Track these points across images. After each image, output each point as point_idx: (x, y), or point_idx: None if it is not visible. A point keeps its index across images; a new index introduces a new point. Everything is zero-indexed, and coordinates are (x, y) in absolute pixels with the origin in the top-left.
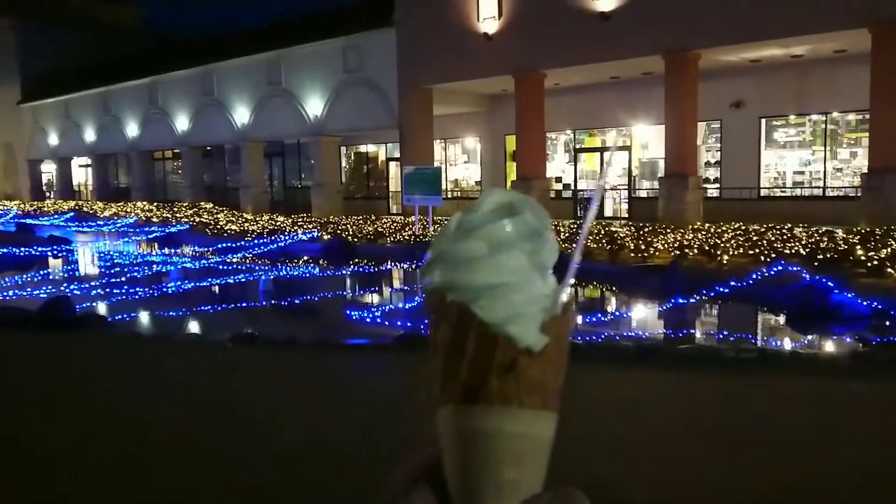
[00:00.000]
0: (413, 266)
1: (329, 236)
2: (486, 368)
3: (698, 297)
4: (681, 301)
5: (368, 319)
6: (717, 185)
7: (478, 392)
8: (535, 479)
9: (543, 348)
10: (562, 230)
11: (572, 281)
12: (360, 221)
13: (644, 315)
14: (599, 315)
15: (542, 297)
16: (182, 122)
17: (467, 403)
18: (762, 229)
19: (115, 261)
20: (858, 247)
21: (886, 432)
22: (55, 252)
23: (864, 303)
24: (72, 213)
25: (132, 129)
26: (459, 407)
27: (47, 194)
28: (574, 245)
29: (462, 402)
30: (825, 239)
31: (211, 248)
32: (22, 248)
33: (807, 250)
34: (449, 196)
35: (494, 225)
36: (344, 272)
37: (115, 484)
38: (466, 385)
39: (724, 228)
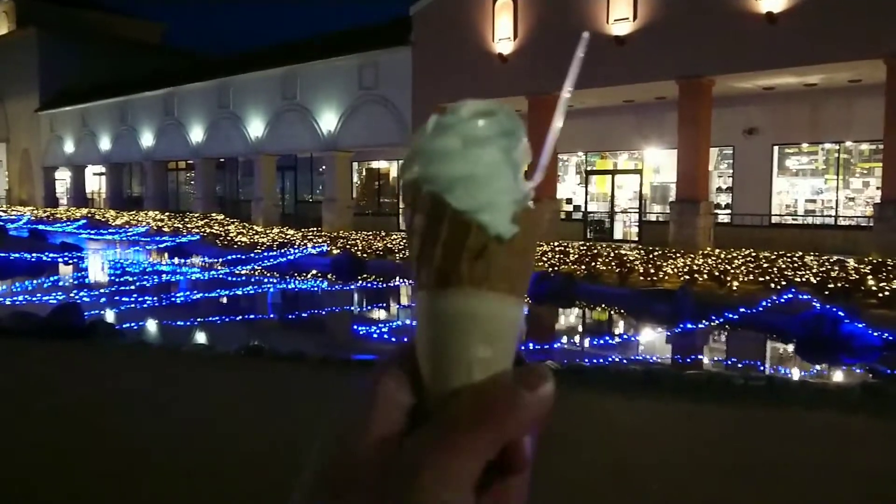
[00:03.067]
0: None
1: (338, 251)
2: (457, 254)
3: (707, 323)
4: (689, 327)
5: (376, 335)
6: (729, 211)
7: (450, 276)
8: (504, 360)
9: (513, 237)
10: (571, 251)
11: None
12: (370, 237)
13: (652, 340)
14: (607, 338)
15: (514, 189)
16: (197, 134)
17: (440, 287)
18: (773, 256)
19: (126, 269)
20: (870, 277)
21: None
22: (66, 259)
23: (875, 333)
24: (84, 221)
25: (147, 140)
26: (433, 291)
27: (61, 201)
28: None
29: (435, 287)
30: (836, 268)
31: (221, 260)
32: (33, 255)
33: (818, 279)
34: None
35: (469, 122)
36: (352, 287)
37: (118, 493)
38: (439, 270)
39: (735, 255)
